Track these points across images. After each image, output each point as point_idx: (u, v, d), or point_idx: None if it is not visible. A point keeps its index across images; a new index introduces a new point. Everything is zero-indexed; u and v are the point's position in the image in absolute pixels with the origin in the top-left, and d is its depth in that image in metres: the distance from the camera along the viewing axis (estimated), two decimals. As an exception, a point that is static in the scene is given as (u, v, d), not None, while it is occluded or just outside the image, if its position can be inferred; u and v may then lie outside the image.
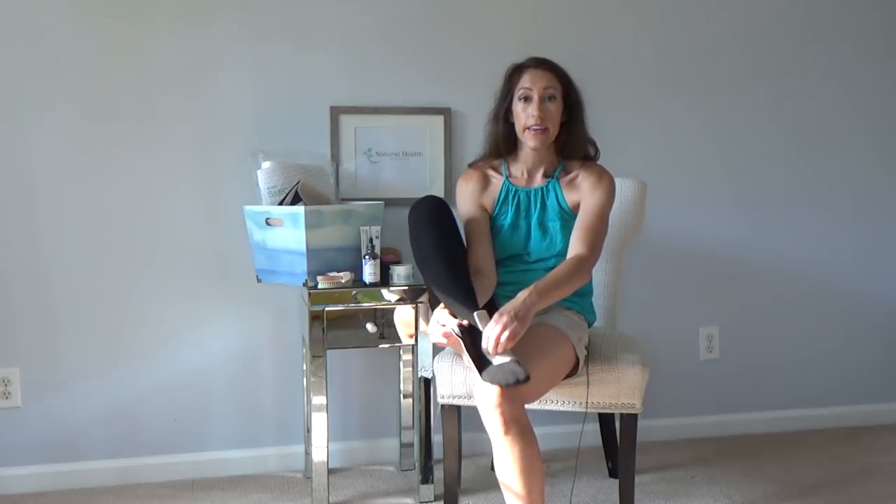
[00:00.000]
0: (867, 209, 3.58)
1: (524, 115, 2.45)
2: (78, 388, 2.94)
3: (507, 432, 2.15)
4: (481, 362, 2.16)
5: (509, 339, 2.13)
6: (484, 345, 2.15)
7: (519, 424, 2.17)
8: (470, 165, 2.67)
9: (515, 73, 2.51)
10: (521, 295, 2.23)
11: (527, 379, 2.08)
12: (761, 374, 3.52)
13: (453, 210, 2.53)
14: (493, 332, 2.14)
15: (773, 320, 3.52)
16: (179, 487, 2.96)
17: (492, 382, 2.11)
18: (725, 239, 3.44)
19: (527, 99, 2.45)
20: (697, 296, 3.44)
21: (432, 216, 2.42)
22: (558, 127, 2.49)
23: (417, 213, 2.44)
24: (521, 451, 2.16)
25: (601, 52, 3.27)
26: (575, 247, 2.43)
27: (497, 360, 2.14)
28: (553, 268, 2.44)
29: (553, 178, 2.52)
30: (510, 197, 2.54)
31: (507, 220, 2.53)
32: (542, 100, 2.44)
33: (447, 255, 2.35)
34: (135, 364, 2.98)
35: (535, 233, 2.52)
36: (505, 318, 2.15)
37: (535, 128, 2.44)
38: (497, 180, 2.57)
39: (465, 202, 2.58)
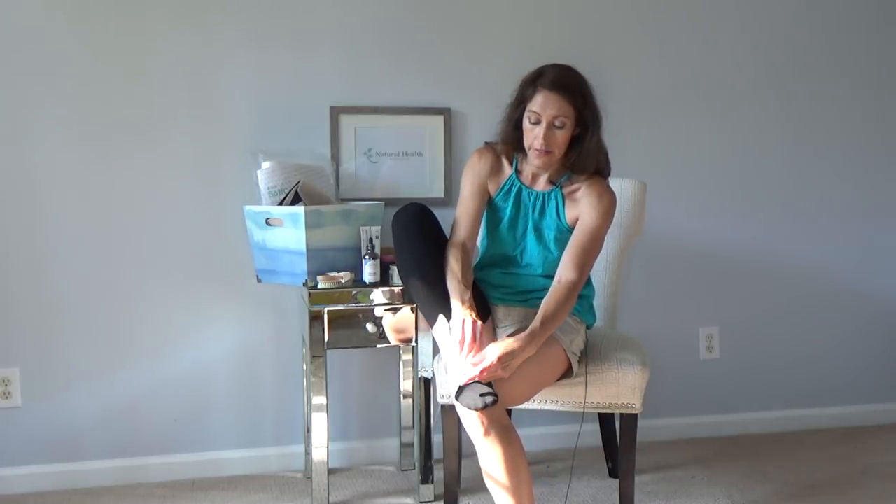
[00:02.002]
0: (866, 209, 3.58)
1: (531, 135, 2.39)
2: (78, 387, 2.94)
3: (486, 434, 2.19)
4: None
5: (489, 376, 2.18)
6: (474, 362, 2.20)
7: (499, 425, 2.20)
8: (488, 144, 2.57)
9: (530, 87, 2.39)
10: (524, 341, 2.24)
11: (494, 402, 2.15)
12: (761, 374, 3.51)
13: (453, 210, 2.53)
14: (486, 359, 2.19)
15: (773, 320, 3.52)
16: (179, 487, 2.96)
17: (463, 405, 2.18)
18: (725, 239, 3.44)
19: (536, 122, 2.38)
20: (697, 296, 3.44)
21: (410, 227, 2.46)
22: (564, 150, 2.41)
23: (398, 226, 2.47)
24: (504, 451, 2.19)
25: (601, 52, 3.27)
26: (567, 269, 2.38)
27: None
28: (541, 276, 2.48)
29: (557, 186, 2.48)
30: (513, 191, 2.51)
31: (507, 214, 2.51)
32: (549, 126, 2.36)
33: (426, 273, 2.41)
34: (135, 364, 2.98)
35: (530, 236, 2.50)
36: (513, 350, 2.21)
37: (539, 150, 2.39)
38: (507, 170, 2.54)
39: (470, 178, 2.53)
